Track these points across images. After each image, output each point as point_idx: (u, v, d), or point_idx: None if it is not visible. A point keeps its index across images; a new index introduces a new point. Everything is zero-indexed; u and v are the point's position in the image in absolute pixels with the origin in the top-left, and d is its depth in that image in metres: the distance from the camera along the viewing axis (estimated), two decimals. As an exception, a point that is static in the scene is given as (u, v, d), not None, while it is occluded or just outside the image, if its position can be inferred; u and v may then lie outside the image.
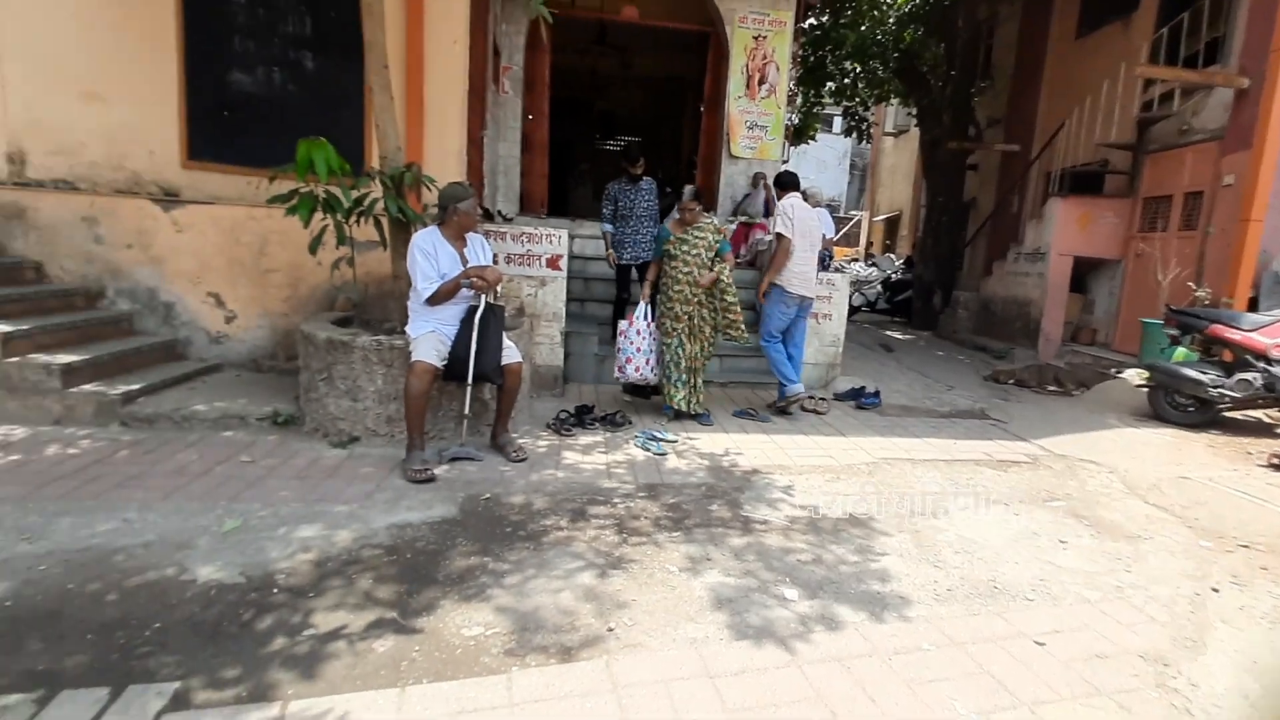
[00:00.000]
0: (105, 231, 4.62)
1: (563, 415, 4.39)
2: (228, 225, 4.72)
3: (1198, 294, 6.62)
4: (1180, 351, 5.91)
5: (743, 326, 4.66)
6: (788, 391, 5.06)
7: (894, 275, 12.41)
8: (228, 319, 4.79)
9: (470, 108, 5.71)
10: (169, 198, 4.79)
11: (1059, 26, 9.64)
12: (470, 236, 3.82)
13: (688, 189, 4.65)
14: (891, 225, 17.05)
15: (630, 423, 4.58)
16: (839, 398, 5.79)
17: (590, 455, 3.94)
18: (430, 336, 3.51)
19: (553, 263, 5.06)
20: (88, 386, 3.85)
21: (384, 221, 3.98)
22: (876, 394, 5.71)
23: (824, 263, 6.12)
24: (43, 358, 3.81)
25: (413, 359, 3.43)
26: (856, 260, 16.17)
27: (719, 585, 2.50)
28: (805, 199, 6.40)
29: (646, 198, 5.78)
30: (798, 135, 13.31)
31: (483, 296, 3.60)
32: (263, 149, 4.58)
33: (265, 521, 2.80)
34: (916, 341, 10.07)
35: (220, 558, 2.48)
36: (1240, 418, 5.66)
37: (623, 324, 4.80)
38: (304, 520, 2.83)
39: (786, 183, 5.32)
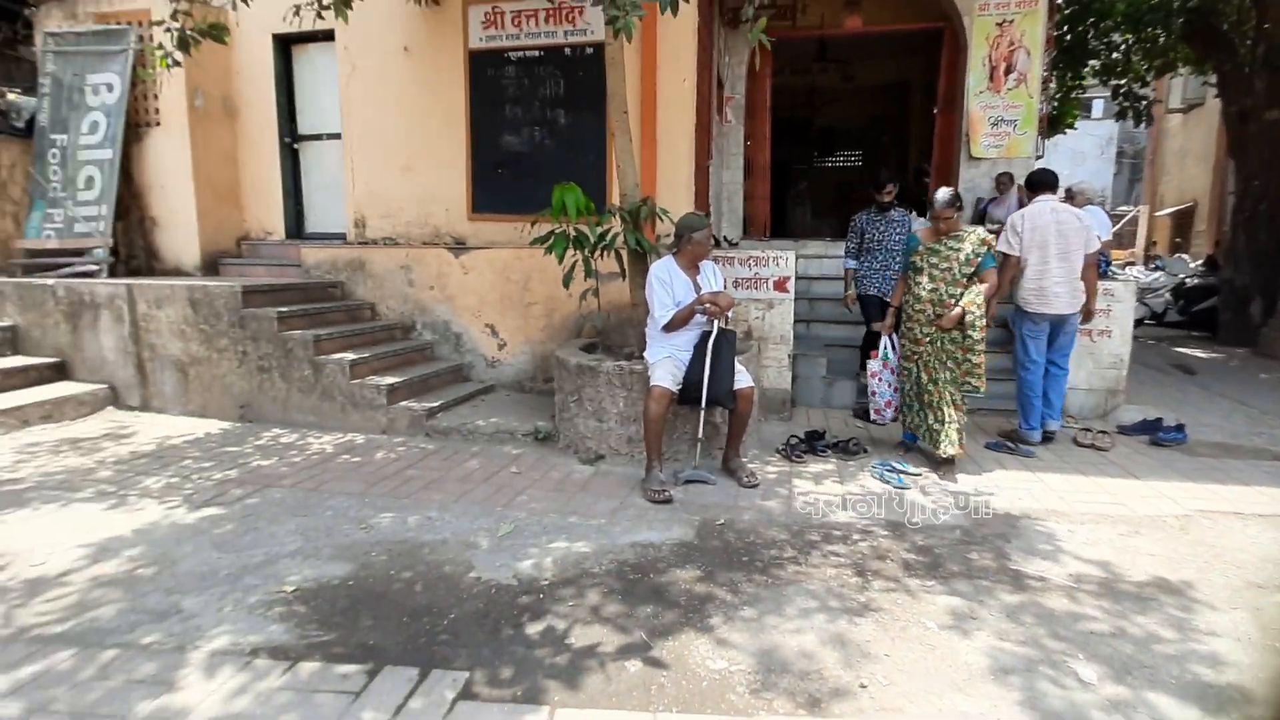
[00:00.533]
0: (415, 276, 5.67)
1: (793, 441, 4.28)
2: (500, 266, 5.46)
3: None
4: None
5: (983, 374, 3.88)
6: (1022, 433, 4.49)
7: (1189, 280, 10.17)
8: (500, 346, 5.56)
9: (697, 140, 5.93)
10: (459, 245, 5.73)
11: None
12: (703, 264, 3.92)
13: (943, 191, 3.94)
14: (1182, 220, 14.03)
15: (866, 451, 4.31)
16: (1125, 431, 4.86)
17: (823, 484, 3.78)
18: (666, 362, 3.66)
19: (780, 285, 5.00)
20: (404, 403, 4.73)
21: (623, 253, 4.26)
22: (1180, 428, 4.68)
23: (1102, 270, 5.22)
24: (375, 379, 4.78)
25: (650, 383, 3.60)
26: (1133, 263, 13.55)
27: (992, 650, 2.20)
28: (1072, 199, 5.57)
29: (898, 230, 5.04)
30: (1052, 125, 11.64)
31: (715, 322, 3.66)
32: (527, 198, 5.24)
33: (530, 529, 3.12)
34: (1228, 362, 8.13)
35: (498, 559, 2.81)
36: None
37: (873, 365, 4.39)
38: (561, 532, 3.10)
39: (1038, 182, 4.48)
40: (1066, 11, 10.33)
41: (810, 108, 14.28)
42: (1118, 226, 18.20)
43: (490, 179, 5.79)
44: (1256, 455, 4.44)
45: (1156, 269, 11.22)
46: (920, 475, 3.89)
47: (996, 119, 7.25)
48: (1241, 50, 9.01)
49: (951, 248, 3.93)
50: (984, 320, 3.82)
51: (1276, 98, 8.64)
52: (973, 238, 3.91)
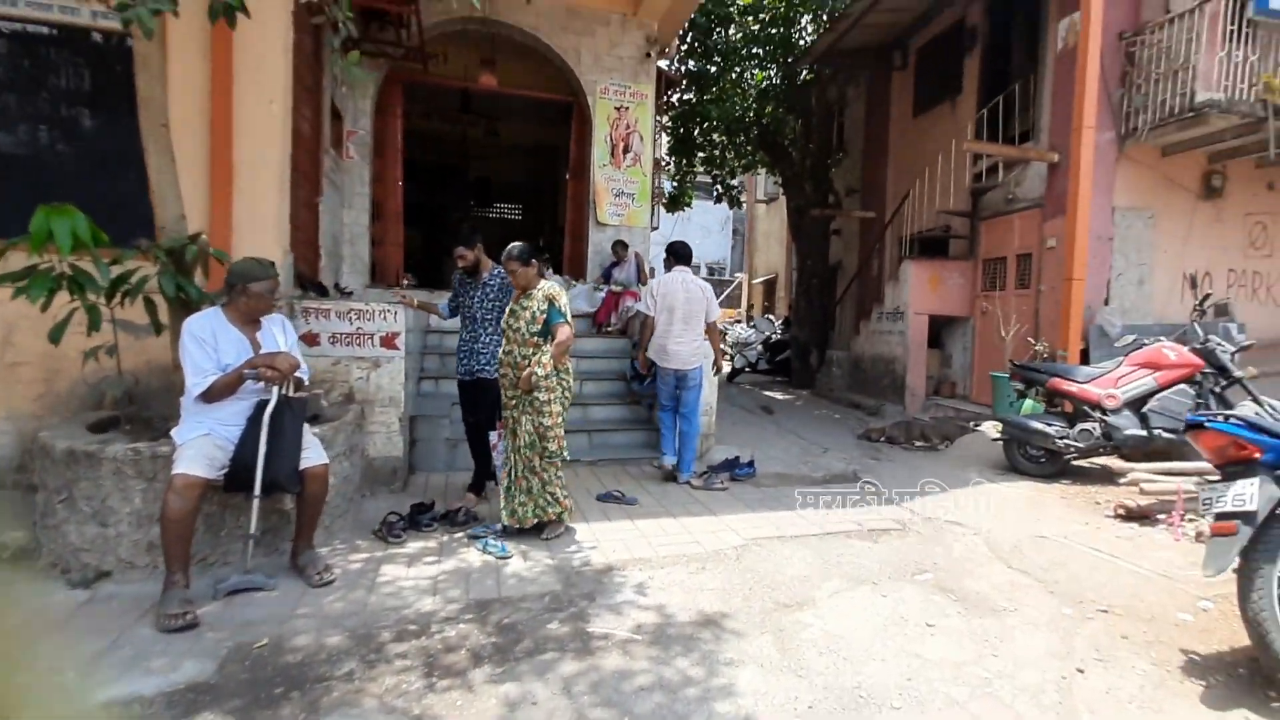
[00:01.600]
0: None
1: (391, 519, 3.79)
2: (-42, 309, 3.85)
3: (1036, 348, 7.03)
4: (1027, 404, 6.17)
5: (558, 436, 3.68)
6: (663, 461, 5.11)
7: (773, 336, 12.71)
8: (-42, 424, 3.85)
9: (299, 171, 5.19)
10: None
11: (898, 107, 10.50)
12: (269, 319, 3.26)
13: (513, 245, 3.70)
14: (769, 287, 17.74)
15: (477, 518, 4.04)
16: (715, 469, 5.52)
17: (416, 566, 3.36)
18: (201, 441, 2.88)
19: (388, 341, 4.53)
20: None
21: (157, 302, 3.34)
22: (751, 463, 5.50)
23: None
24: None
25: (172, 471, 2.78)
26: (739, 322, 16.60)
27: (533, 745, 2.01)
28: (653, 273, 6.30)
29: (491, 296, 4.23)
30: (674, 203, 13.65)
31: (275, 389, 3.02)
32: (21, 217, 3.82)
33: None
34: (795, 401, 10.19)
35: None
36: (1087, 465, 5.91)
37: (492, 436, 4.17)
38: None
39: (676, 254, 5.17)
40: (678, 109, 12.30)
41: (465, 156, 14.34)
42: (729, 290, 22.19)
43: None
44: (803, 481, 5.41)
45: (752, 327, 13.83)
46: (524, 543, 3.75)
47: (618, 190, 8.03)
48: (796, 162, 11.73)
49: (524, 306, 3.72)
50: (555, 380, 3.65)
51: (819, 199, 11.40)
52: (539, 295, 3.69)
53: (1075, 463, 5.77)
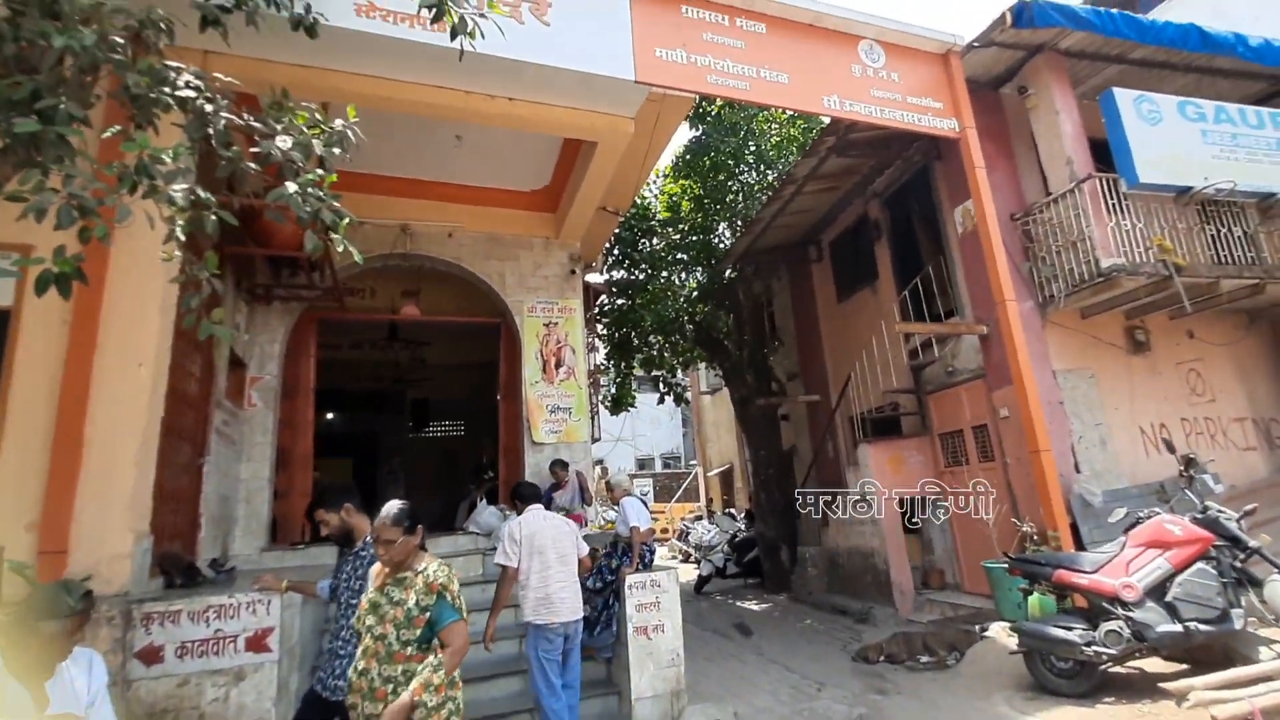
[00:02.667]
0: None
1: None
2: None
3: (1023, 529, 6.44)
4: (1035, 601, 5.40)
5: None
6: None
7: (738, 534, 11.80)
8: None
9: (177, 435, 4.50)
10: None
11: (822, 295, 10.89)
12: (72, 657, 2.37)
13: (389, 505, 2.72)
14: (726, 479, 17.14)
15: None
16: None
17: None
18: None
19: (257, 642, 3.54)
20: None
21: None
22: (735, 732, 4.39)
23: (645, 560, 5.14)
24: None
25: None
26: (700, 518, 15.66)
27: None
28: (610, 490, 5.63)
29: (360, 575, 3.08)
30: (617, 405, 13.37)
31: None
32: None
33: None
34: (773, 612, 9.07)
35: None
36: (1125, 671, 5.03)
37: None
38: None
39: (526, 495, 4.47)
40: (612, 316, 12.50)
41: (400, 381, 13.99)
42: (685, 484, 21.42)
43: None
44: (802, 747, 4.30)
45: (714, 525, 12.92)
46: None
47: (554, 406, 7.56)
48: (733, 354, 11.80)
49: (392, 599, 2.58)
50: (446, 710, 2.43)
51: (762, 388, 11.28)
52: (419, 581, 2.58)
53: (1111, 669, 4.90)
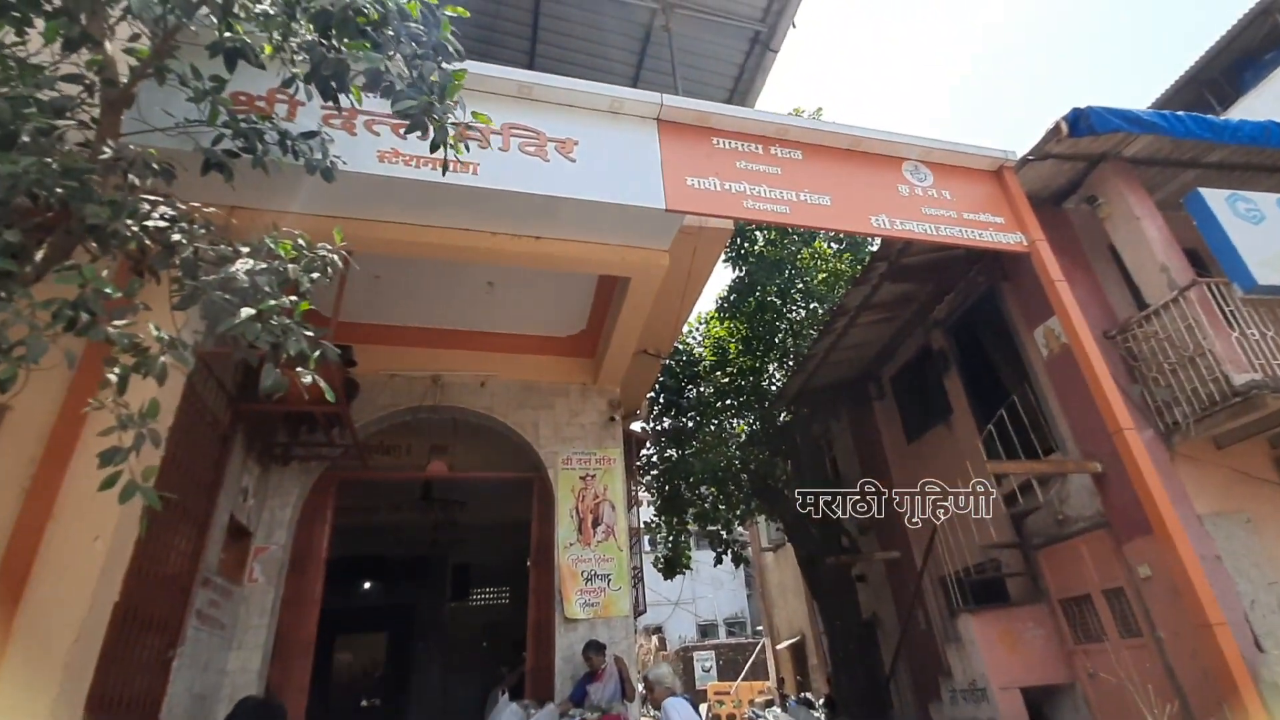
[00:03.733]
0: None
1: None
2: None
3: (1211, 734, 4.84)
4: None
5: None
6: None
7: (819, 725, 9.84)
8: None
9: (139, 621, 3.78)
10: None
11: (889, 435, 9.86)
12: None
13: None
14: (797, 652, 14.95)
15: None
16: None
17: None
18: None
19: None
20: None
21: None
22: None
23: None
24: None
25: None
26: (771, 703, 13.40)
27: None
28: (651, 689, 4.50)
29: None
30: (670, 567, 12.09)
31: None
32: None
33: None
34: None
35: None
36: None
37: None
38: None
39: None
40: (660, 467, 11.66)
41: (438, 545, 13.11)
42: (752, 656, 18.92)
43: None
44: None
45: (789, 716, 10.90)
46: None
47: (590, 573, 6.56)
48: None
49: None
50: None
51: (831, 545, 9.94)
52: None
53: None
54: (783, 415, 11.20)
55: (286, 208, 4.64)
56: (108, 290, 2.49)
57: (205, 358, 4.81)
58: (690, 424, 11.54)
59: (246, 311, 2.58)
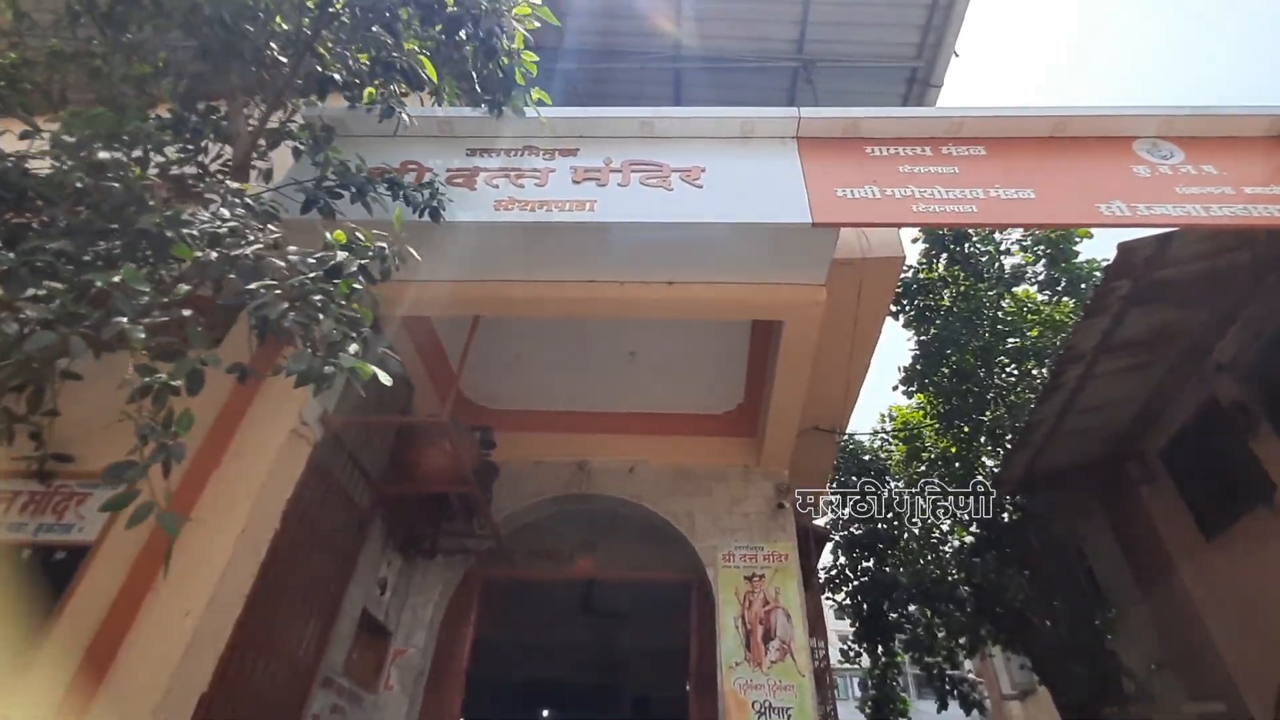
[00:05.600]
0: None
1: None
2: None
3: None
4: None
5: None
6: None
7: None
8: None
9: None
10: None
11: (1169, 530, 7.30)
12: None
13: None
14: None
15: None
16: None
17: None
18: None
19: None
20: None
21: None
22: None
23: None
24: None
25: None
26: None
27: None
28: None
29: None
30: (879, 711, 9.77)
31: None
32: None
33: None
34: None
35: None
36: None
37: None
38: None
39: None
40: (855, 582, 9.80)
41: (612, 669, 12.02)
42: None
43: None
44: None
45: None
46: None
47: (763, 706, 5.17)
48: (1044, 629, 8.14)
49: None
50: None
51: (1108, 693, 7.31)
52: None
53: None
54: (1007, 512, 8.98)
55: (414, 276, 4.57)
56: (143, 290, 2.23)
57: (341, 436, 4.70)
58: (885, 527, 9.69)
59: (267, 287, 2.18)
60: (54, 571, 3.30)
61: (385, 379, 2.46)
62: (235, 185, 3.02)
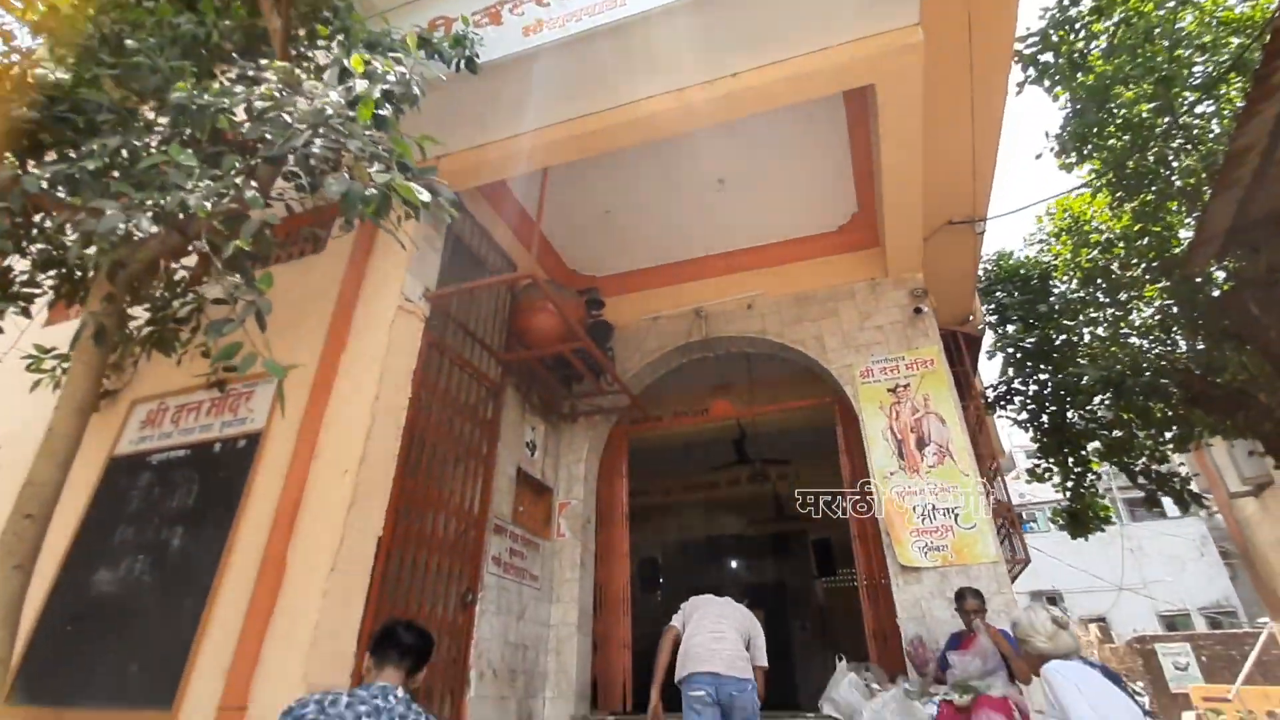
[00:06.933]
0: None
1: None
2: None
3: None
4: None
5: None
6: None
7: None
8: None
9: (424, 563, 3.82)
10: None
11: None
12: None
13: None
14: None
15: None
16: None
17: None
18: None
19: None
20: None
21: None
22: None
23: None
24: None
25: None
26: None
27: None
28: (1025, 644, 2.81)
29: None
30: (1075, 521, 9.11)
31: None
32: (98, 675, 3.29)
33: None
34: None
35: None
36: None
37: None
38: None
39: None
40: (1028, 394, 8.96)
41: (794, 519, 12.36)
42: (1255, 652, 13.32)
43: (55, 640, 3.64)
44: None
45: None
46: None
47: (926, 508, 4.95)
48: (1276, 405, 6.93)
49: None
50: None
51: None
52: None
53: None
54: (1215, 286, 7.54)
55: (474, 142, 4.51)
56: (190, 165, 2.34)
57: (458, 318, 4.95)
58: (1057, 333, 8.62)
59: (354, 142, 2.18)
60: (242, 457, 3.86)
61: (434, 201, 2.41)
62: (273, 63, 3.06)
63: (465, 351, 4.97)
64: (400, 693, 1.78)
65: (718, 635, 3.54)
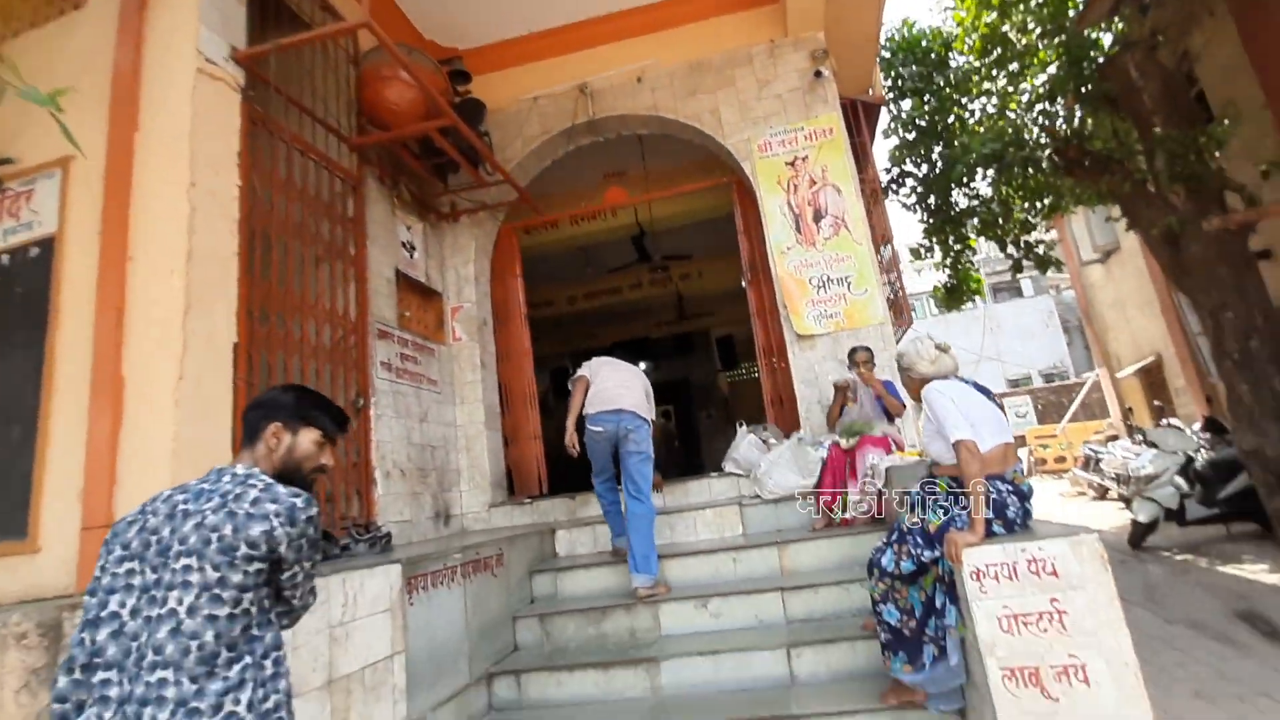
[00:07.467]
0: None
1: None
2: None
3: None
4: None
5: None
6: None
7: (1197, 455, 7.31)
8: None
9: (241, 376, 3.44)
10: None
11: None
12: None
13: None
14: (1150, 378, 11.65)
15: None
16: None
17: None
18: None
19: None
20: None
21: None
22: None
23: (1007, 514, 2.43)
24: None
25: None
26: (1114, 438, 10.80)
27: None
28: (905, 373, 2.93)
29: None
30: (952, 295, 9.80)
31: None
32: None
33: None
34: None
35: None
36: None
37: None
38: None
39: None
40: (918, 179, 9.05)
41: (696, 317, 12.72)
42: (1079, 396, 15.78)
43: None
44: None
45: (1145, 444, 8.39)
46: None
47: (820, 279, 5.01)
48: (1135, 170, 7.32)
49: None
50: None
51: (1204, 207, 6.70)
52: None
53: None
54: (1096, 50, 7.52)
55: None
56: None
57: (297, 98, 4.09)
58: (951, 106, 8.53)
59: None
60: (36, 266, 3.20)
61: None
62: None
63: (308, 135, 4.21)
64: (240, 469, 1.54)
65: (624, 384, 4.01)
